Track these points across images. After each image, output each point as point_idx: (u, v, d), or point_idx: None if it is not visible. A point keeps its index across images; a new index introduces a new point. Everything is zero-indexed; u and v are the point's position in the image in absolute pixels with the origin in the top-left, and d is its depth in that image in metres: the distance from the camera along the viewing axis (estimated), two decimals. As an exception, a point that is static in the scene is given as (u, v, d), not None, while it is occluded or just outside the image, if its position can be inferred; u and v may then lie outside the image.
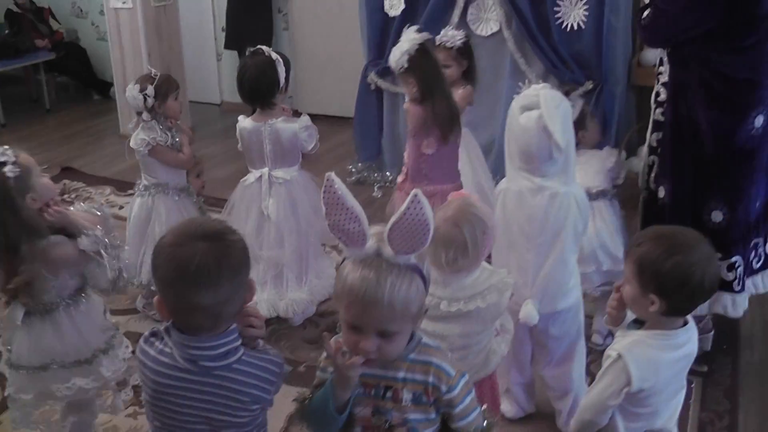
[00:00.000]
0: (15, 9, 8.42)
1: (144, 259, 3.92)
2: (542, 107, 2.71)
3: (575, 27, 4.81)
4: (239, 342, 1.88)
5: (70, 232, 2.59)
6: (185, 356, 1.85)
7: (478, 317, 2.49)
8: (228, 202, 4.03)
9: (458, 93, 3.97)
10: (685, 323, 2.23)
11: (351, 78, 5.98)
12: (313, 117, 4.06)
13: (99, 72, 8.91)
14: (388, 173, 5.79)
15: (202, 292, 1.76)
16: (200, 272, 1.75)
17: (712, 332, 3.65)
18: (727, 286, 3.43)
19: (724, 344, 3.69)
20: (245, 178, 3.97)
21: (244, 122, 3.87)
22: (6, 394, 2.77)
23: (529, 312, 2.83)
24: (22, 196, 2.52)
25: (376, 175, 5.82)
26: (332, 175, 1.71)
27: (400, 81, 3.95)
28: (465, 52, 4.15)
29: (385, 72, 5.52)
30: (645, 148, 3.63)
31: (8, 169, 2.47)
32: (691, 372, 3.43)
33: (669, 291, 2.10)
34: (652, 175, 3.53)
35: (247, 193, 3.93)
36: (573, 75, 4.92)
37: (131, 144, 3.91)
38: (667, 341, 2.19)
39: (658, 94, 3.50)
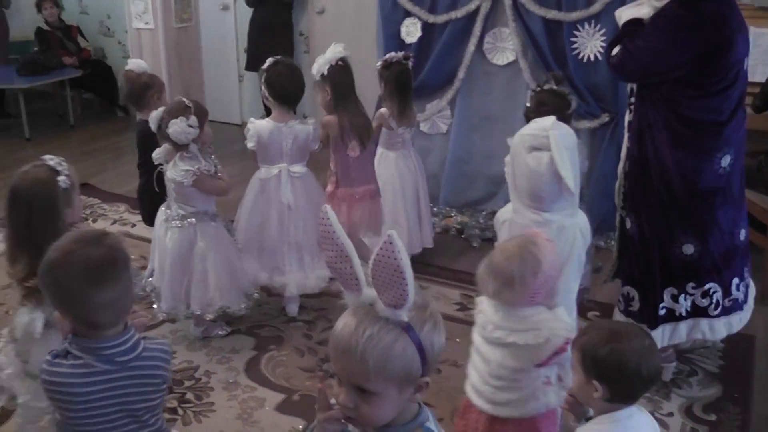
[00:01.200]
0: (44, 27, 8.43)
1: (191, 290, 3.85)
2: (553, 151, 2.71)
3: (591, 58, 4.70)
4: (138, 334, 2.11)
5: None
6: (101, 359, 2.02)
7: (515, 353, 2.42)
8: (245, 196, 4.15)
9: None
10: None
11: (370, 103, 5.84)
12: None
13: (124, 90, 8.89)
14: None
15: (107, 286, 1.97)
16: (101, 270, 1.97)
17: (674, 363, 3.57)
18: (702, 312, 3.40)
19: (735, 393, 3.52)
20: (259, 173, 4.13)
21: (261, 123, 4.07)
22: (19, 401, 2.78)
23: None
24: (65, 208, 2.67)
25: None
26: (328, 207, 1.61)
27: (316, 88, 4.20)
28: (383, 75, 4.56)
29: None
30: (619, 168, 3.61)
31: (62, 180, 2.65)
32: (698, 420, 3.32)
33: (608, 377, 2.12)
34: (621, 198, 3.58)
35: (267, 187, 4.10)
36: (588, 107, 4.80)
37: (171, 176, 3.74)
38: (613, 422, 2.16)
39: (630, 123, 3.46)
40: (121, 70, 8.79)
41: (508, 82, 5.05)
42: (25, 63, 8.01)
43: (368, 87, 5.61)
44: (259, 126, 4.02)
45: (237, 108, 8.23)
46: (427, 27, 5.24)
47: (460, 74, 5.14)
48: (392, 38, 5.40)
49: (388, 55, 4.55)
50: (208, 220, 3.86)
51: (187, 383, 3.63)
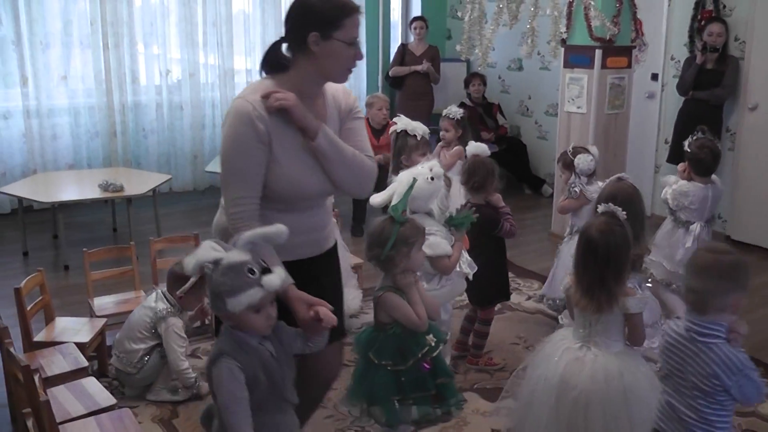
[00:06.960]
0: (467, 102, 9.41)
1: None
2: None
3: None
4: None
5: None
6: None
7: None
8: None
9: (449, 153, 6.36)
10: None
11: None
12: (746, 247, 4.09)
13: (534, 168, 9.67)
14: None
15: None
16: None
17: None
18: None
19: None
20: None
21: None
22: None
23: None
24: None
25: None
26: None
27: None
28: (460, 123, 6.43)
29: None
30: None
31: None
32: None
33: None
34: None
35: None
36: None
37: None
38: None
39: None
40: (535, 149, 9.60)
41: None
42: (441, 135, 8.98)
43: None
44: None
45: (649, 198, 8.26)
46: None
47: None
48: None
49: (460, 112, 6.47)
50: None
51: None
